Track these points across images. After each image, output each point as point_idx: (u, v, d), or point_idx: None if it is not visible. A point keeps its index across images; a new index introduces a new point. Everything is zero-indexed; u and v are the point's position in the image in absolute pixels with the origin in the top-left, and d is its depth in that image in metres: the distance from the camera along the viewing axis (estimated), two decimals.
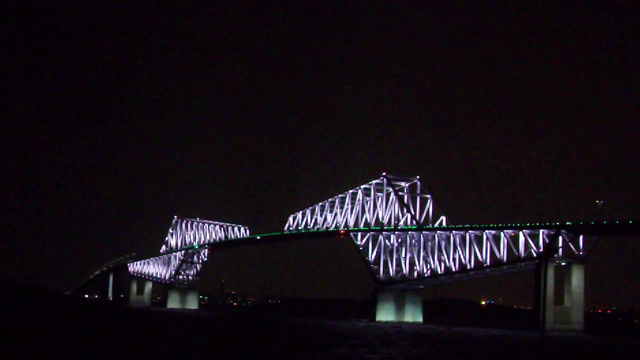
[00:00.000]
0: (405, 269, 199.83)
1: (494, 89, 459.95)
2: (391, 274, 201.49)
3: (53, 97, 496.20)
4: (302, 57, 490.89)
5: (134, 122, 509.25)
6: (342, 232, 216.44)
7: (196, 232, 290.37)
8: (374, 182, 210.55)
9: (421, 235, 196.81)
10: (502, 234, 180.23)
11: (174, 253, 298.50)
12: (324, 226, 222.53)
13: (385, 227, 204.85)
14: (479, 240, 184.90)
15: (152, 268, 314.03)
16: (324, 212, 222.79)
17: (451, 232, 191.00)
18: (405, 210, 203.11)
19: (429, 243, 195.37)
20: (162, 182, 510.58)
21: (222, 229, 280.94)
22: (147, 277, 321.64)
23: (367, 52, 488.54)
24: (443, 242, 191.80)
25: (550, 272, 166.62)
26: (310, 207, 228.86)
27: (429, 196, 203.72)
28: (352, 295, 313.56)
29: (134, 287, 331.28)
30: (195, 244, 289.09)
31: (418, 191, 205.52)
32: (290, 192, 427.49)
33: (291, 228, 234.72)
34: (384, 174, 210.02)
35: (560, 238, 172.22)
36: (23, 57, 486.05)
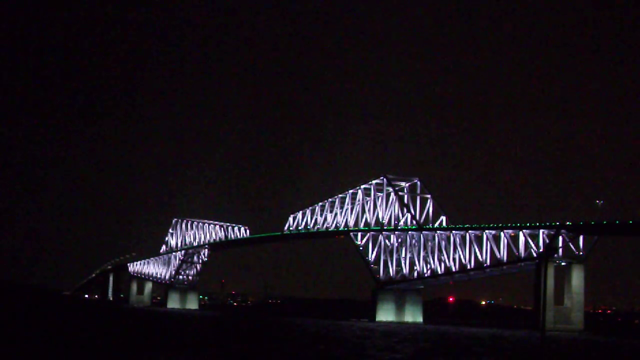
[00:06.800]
0: (405, 269, 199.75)
1: (494, 89, 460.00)
2: (391, 274, 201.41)
3: (53, 97, 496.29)
4: (302, 57, 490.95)
5: (134, 122, 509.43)
6: (342, 232, 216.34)
7: (196, 232, 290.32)
8: (374, 182, 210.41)
9: (421, 235, 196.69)
10: (502, 234, 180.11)
11: (174, 253, 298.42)
12: (324, 226, 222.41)
13: (385, 227, 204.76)
14: (479, 240, 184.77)
15: (152, 268, 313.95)
16: (324, 212, 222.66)
17: (451, 232, 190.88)
18: (405, 210, 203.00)
19: (429, 243, 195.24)
20: (162, 182, 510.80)
21: (222, 229, 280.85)
22: (147, 277, 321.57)
23: (367, 52, 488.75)
24: (443, 242, 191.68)
25: (550, 272, 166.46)
26: (310, 207, 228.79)
27: (429, 196, 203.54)
28: (352, 295, 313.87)
29: (134, 287, 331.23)
30: (195, 244, 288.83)
31: (418, 191, 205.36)
32: (290, 192, 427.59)
33: (291, 228, 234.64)
34: (384, 174, 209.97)
35: (560, 238, 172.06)
36: (23, 56, 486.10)
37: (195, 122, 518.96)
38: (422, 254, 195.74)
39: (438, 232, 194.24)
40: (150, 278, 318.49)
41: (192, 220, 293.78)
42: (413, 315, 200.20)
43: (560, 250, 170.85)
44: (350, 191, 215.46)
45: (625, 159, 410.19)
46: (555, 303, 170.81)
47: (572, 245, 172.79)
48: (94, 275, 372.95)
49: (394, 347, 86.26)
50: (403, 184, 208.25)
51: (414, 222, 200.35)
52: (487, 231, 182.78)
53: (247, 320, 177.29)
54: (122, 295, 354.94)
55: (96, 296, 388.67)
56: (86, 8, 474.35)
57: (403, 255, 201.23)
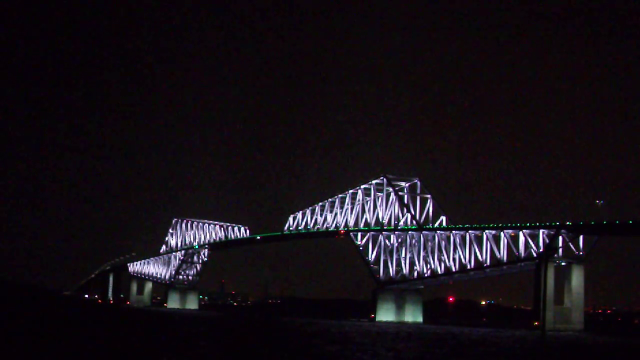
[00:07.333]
0: (405, 269, 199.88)
1: (494, 89, 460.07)
2: (391, 274, 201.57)
3: (53, 97, 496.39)
4: (301, 57, 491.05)
5: (134, 122, 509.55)
6: (342, 232, 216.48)
7: (196, 232, 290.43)
8: (374, 182, 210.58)
9: (421, 235, 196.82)
10: (502, 234, 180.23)
11: (174, 253, 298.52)
12: (324, 226, 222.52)
13: (385, 227, 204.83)
14: (479, 240, 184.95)
15: (152, 268, 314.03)
16: (324, 212, 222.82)
17: (451, 232, 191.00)
18: (405, 210, 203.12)
19: (429, 243, 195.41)
20: (162, 182, 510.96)
21: (222, 229, 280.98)
22: (147, 277, 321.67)
23: (367, 52, 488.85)
24: (443, 242, 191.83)
25: (550, 272, 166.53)
26: (310, 207, 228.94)
27: (429, 196, 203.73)
28: (352, 295, 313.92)
29: (134, 287, 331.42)
30: (195, 244, 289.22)
31: (418, 191, 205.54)
32: (290, 192, 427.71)
33: (291, 228, 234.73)
34: (384, 174, 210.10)
35: (560, 238, 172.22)
36: (23, 56, 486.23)
37: (195, 121, 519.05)
38: (422, 254, 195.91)
39: (438, 232, 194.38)
40: (150, 278, 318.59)
41: (192, 220, 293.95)
42: (413, 315, 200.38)
43: (560, 250, 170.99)
44: (350, 191, 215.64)
45: (625, 159, 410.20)
46: (555, 303, 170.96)
47: (572, 245, 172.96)
48: (93, 275, 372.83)
49: (396, 347, 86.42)
50: (403, 184, 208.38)
51: (414, 222, 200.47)
52: (487, 231, 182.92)
53: (247, 320, 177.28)
54: (122, 295, 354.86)
55: (96, 296, 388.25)
56: (86, 7, 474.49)
57: (403, 255, 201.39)
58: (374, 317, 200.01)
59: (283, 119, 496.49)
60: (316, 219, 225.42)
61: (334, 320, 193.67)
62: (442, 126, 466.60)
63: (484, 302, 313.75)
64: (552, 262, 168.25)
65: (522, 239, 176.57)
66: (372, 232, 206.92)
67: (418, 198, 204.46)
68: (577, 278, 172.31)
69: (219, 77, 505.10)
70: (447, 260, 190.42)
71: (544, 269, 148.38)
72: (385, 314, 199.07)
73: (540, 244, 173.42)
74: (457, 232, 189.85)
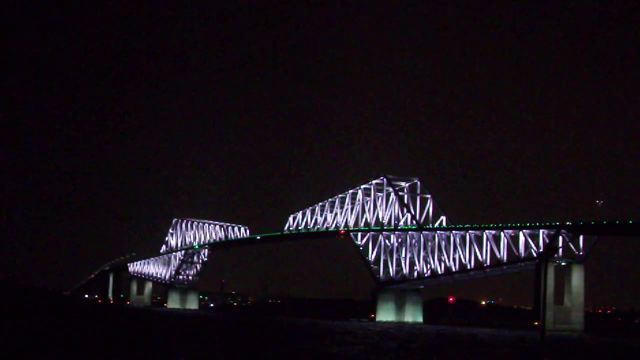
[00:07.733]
0: (405, 269, 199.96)
1: (494, 89, 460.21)
2: (391, 274, 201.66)
3: (52, 97, 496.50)
4: (301, 56, 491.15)
5: (133, 122, 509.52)
6: (342, 232, 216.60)
7: (196, 232, 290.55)
8: (374, 182, 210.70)
9: (421, 235, 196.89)
10: (502, 234, 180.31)
11: (174, 253, 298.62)
12: (324, 226, 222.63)
13: (385, 227, 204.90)
14: (479, 240, 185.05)
15: (152, 268, 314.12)
16: (324, 212, 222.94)
17: (451, 232, 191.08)
18: (405, 210, 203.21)
19: (429, 243, 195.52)
20: (161, 182, 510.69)
21: (222, 229, 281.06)
22: (147, 277, 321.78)
23: (367, 52, 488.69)
24: (443, 242, 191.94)
25: (550, 272, 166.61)
26: (310, 207, 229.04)
27: (429, 196, 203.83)
28: (352, 295, 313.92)
29: (134, 287, 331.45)
30: (195, 244, 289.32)
31: (418, 191, 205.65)
32: (290, 192, 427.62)
33: (291, 228, 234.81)
34: (384, 174, 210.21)
35: (560, 238, 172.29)
36: (23, 56, 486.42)
37: (195, 122, 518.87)
38: (422, 254, 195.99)
39: (438, 232, 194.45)
40: (150, 278, 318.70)
41: (192, 220, 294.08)
42: (413, 315, 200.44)
43: (560, 250, 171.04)
44: (350, 191, 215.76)
45: (625, 159, 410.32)
46: (555, 303, 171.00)
47: (572, 245, 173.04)
48: (93, 275, 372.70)
49: (402, 347, 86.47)
50: (403, 184, 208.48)
51: (414, 222, 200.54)
52: (487, 231, 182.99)
53: (248, 320, 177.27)
54: (122, 295, 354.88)
55: (96, 296, 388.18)
56: (86, 7, 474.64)
57: (403, 255, 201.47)
58: (374, 317, 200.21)
59: (283, 119, 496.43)
60: (316, 219, 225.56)
61: (334, 321, 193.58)
62: (442, 126, 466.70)
63: (484, 302, 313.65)
64: (552, 262, 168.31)
65: (522, 239, 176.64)
66: (372, 232, 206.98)
67: (418, 198, 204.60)
68: (577, 278, 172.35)
69: (218, 77, 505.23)
70: (447, 260, 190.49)
71: (544, 269, 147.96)
72: (385, 314, 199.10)
73: (540, 244, 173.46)
74: (457, 232, 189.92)
